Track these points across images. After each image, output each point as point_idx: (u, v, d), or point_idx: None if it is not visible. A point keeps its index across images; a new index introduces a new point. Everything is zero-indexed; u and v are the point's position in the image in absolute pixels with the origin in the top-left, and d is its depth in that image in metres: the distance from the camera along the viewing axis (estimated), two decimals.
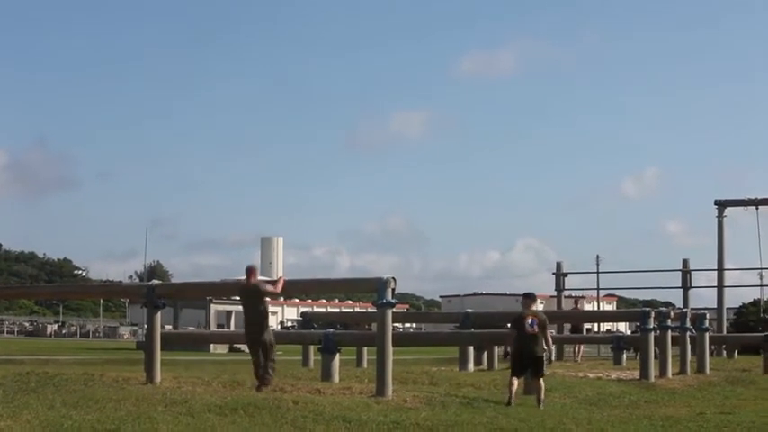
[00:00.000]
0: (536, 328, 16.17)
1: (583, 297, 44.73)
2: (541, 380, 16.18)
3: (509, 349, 16.76)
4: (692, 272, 48.72)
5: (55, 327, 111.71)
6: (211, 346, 53.47)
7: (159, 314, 17.24)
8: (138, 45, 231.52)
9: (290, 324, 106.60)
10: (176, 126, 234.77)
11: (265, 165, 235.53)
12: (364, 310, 70.94)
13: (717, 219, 51.49)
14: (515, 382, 16.00)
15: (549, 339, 16.71)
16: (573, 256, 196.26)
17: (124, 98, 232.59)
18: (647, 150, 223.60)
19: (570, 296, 47.02)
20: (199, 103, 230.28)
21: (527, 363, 16.18)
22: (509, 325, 17.88)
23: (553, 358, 19.64)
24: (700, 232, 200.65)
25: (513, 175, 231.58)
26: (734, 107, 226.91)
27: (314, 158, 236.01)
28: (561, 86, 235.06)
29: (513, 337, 16.57)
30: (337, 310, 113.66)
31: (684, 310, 30.02)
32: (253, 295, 16.52)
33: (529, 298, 16.94)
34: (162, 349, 17.06)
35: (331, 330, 20.68)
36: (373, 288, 15.55)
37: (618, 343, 31.90)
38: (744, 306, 68.11)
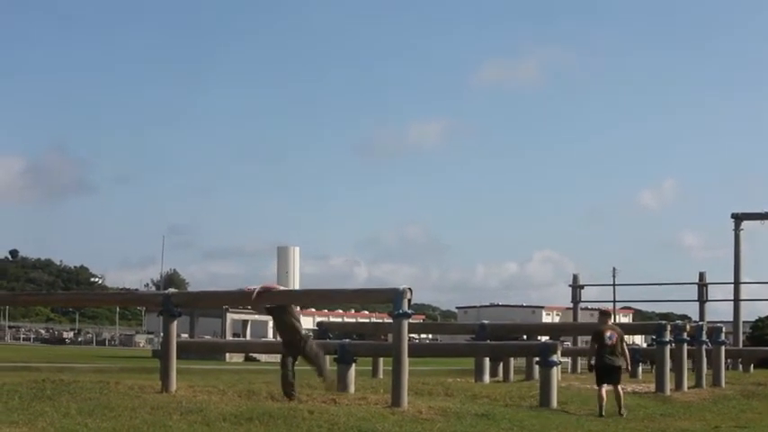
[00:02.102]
0: (615, 341, 17.55)
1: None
2: (620, 387, 17.50)
3: (593, 362, 18.09)
4: (709, 285, 48.62)
5: (71, 334, 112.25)
6: (227, 355, 53.61)
7: (175, 323, 17.26)
8: (157, 51, 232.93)
9: None
10: (195, 133, 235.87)
11: (283, 173, 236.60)
12: (380, 321, 70.90)
13: (734, 232, 51.29)
14: (603, 392, 17.18)
15: (626, 351, 17.94)
16: (590, 268, 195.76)
17: (142, 104, 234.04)
18: (664, 162, 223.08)
19: (598, 309, 47.04)
20: (218, 111, 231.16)
21: (608, 372, 17.42)
22: (589, 339, 19.20)
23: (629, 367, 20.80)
24: (716, 245, 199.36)
25: (530, 186, 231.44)
26: (753, 120, 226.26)
27: (332, 167, 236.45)
28: (580, 96, 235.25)
29: (595, 349, 17.83)
30: (353, 320, 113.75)
31: (700, 323, 29.91)
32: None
33: (605, 315, 18.77)
34: (178, 358, 17.08)
35: (347, 341, 20.64)
36: (389, 298, 15.52)
37: (633, 356, 31.78)
38: (760, 320, 67.77)
